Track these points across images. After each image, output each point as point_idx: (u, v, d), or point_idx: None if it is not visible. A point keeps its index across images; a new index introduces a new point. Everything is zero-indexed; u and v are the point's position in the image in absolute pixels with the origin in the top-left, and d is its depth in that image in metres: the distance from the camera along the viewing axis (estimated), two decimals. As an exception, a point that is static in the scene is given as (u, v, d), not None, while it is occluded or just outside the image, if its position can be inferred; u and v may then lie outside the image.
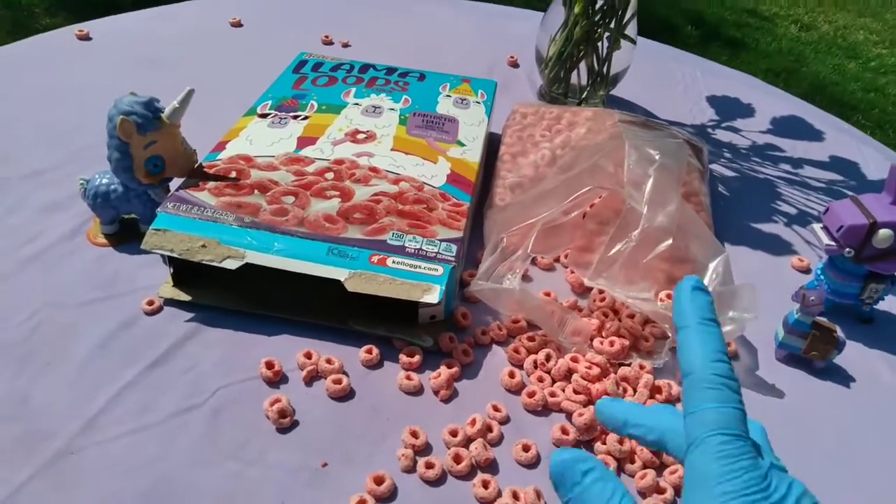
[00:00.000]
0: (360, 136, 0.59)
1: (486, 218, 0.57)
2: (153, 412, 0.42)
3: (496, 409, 0.44)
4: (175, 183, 0.52)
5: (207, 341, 0.47)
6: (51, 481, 0.38)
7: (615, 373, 0.47)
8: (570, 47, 0.73)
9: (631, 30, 0.73)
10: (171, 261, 0.48)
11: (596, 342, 0.49)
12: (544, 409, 0.45)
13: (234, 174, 0.53)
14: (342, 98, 0.64)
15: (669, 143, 0.55)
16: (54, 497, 0.37)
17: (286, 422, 0.42)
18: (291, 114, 0.61)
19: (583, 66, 0.74)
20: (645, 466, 0.42)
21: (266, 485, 0.39)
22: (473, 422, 0.43)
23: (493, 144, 0.66)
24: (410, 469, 0.41)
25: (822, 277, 0.54)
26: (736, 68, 1.00)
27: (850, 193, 0.58)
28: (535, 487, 0.40)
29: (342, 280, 0.46)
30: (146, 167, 0.50)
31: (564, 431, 0.43)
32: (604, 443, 0.43)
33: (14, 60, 0.76)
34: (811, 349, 0.49)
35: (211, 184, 0.51)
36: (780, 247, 0.63)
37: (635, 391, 0.46)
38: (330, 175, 0.54)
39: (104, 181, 0.51)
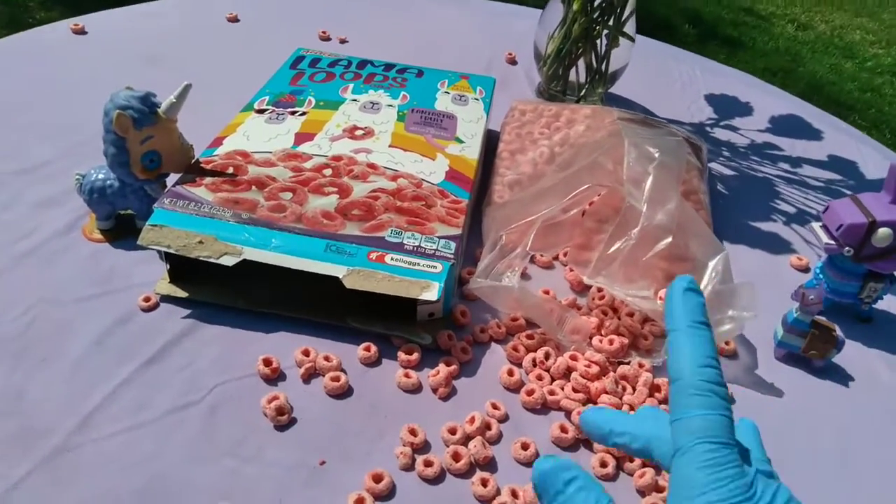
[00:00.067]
0: (358, 133, 0.58)
1: (484, 215, 0.57)
2: (149, 409, 0.41)
3: (495, 407, 0.44)
4: (172, 178, 0.52)
5: (204, 338, 0.46)
6: (47, 478, 0.37)
7: (614, 371, 0.47)
8: (568, 44, 0.73)
9: (629, 27, 0.73)
10: (167, 257, 0.48)
11: (595, 340, 0.49)
12: (543, 408, 0.45)
13: (231, 170, 0.52)
14: (340, 94, 0.64)
15: (669, 140, 0.55)
16: (50, 493, 0.37)
17: (284, 419, 0.42)
18: (289, 110, 0.60)
19: (581, 63, 0.74)
20: (643, 465, 0.42)
21: (263, 482, 0.39)
22: (472, 420, 0.42)
23: (491, 141, 0.65)
24: (409, 467, 0.40)
25: (821, 276, 0.54)
26: (733, 67, 1.00)
27: (848, 192, 0.58)
28: (534, 486, 0.39)
29: (340, 277, 0.45)
30: (143, 162, 0.49)
31: (563, 430, 0.43)
32: (603, 441, 0.43)
33: (9, 55, 0.75)
34: (810, 348, 0.49)
35: (208, 179, 0.51)
36: (779, 245, 0.63)
37: (634, 389, 0.46)
38: (328, 171, 0.54)
39: (100, 176, 0.51)
